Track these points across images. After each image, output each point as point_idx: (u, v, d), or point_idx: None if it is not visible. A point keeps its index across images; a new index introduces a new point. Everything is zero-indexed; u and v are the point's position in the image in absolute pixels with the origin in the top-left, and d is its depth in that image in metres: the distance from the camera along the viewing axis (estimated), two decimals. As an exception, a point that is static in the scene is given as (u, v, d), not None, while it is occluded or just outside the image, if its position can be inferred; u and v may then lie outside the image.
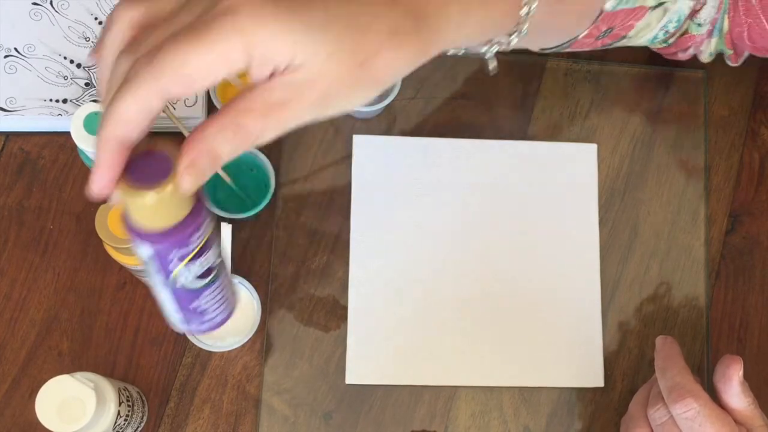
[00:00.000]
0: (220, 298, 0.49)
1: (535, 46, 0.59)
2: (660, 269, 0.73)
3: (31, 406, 0.55)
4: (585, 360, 0.71)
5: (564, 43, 0.60)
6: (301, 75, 0.40)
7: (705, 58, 0.68)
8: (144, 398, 0.66)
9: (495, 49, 0.53)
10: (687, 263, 0.74)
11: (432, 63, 0.76)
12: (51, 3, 0.72)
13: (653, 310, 0.73)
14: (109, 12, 0.72)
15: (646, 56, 0.76)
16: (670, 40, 0.65)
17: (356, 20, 0.41)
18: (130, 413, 0.61)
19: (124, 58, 0.39)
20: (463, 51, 0.54)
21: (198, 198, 0.42)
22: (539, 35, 0.55)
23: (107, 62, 0.41)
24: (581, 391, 0.70)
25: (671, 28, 0.63)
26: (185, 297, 0.46)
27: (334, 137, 0.73)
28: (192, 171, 0.39)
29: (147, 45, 0.38)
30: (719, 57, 0.71)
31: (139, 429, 0.66)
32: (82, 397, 0.55)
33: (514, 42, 0.52)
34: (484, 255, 0.72)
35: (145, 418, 0.66)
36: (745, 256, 0.74)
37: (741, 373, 0.58)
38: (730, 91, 0.78)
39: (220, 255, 0.46)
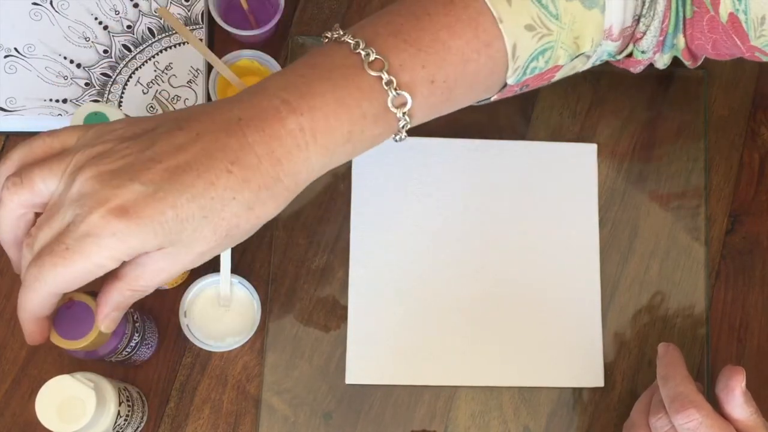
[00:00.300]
0: (147, 347, 0.65)
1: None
2: (660, 269, 0.73)
3: (31, 406, 0.55)
4: (585, 360, 0.71)
5: (480, 102, 0.58)
6: (173, 249, 0.47)
7: (660, 66, 0.66)
8: (144, 398, 0.66)
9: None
10: (687, 263, 0.74)
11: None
12: (51, 3, 0.72)
13: (653, 310, 0.72)
14: (108, 12, 0.72)
15: (646, 56, 0.77)
16: (618, 57, 0.62)
17: (209, 211, 0.46)
18: (130, 413, 0.61)
19: (26, 250, 0.47)
20: None
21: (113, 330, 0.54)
22: (441, 113, 0.55)
23: (11, 248, 0.50)
24: (581, 391, 0.70)
25: (606, 57, 0.61)
26: (121, 361, 0.62)
27: (334, 137, 0.73)
28: (107, 320, 0.50)
29: (38, 241, 0.46)
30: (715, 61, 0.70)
31: (139, 429, 0.66)
32: (82, 397, 0.55)
33: (399, 139, 0.53)
34: (484, 255, 0.72)
35: (145, 418, 0.66)
36: (745, 256, 0.74)
37: (743, 384, 0.58)
38: (730, 91, 0.78)
39: (139, 327, 0.62)
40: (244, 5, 0.72)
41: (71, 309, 0.53)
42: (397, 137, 0.52)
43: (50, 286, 0.46)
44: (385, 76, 0.49)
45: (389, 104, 0.50)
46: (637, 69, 0.64)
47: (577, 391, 0.70)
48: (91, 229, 0.44)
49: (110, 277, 0.48)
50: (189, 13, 0.73)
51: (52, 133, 0.49)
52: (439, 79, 0.51)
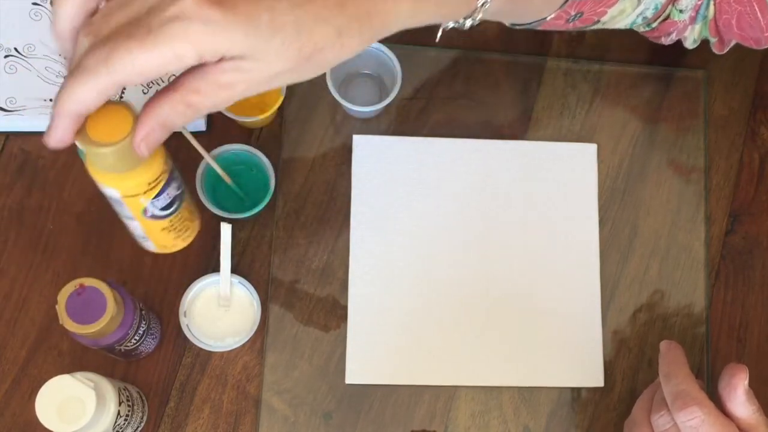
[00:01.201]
0: (152, 338, 0.65)
1: (502, 20, 0.58)
2: (660, 269, 0.73)
3: (31, 405, 0.55)
4: (585, 360, 0.71)
5: (532, 23, 0.59)
6: (249, 63, 0.42)
7: (689, 44, 0.67)
8: (144, 398, 0.66)
9: (450, 26, 0.53)
10: (687, 263, 0.74)
11: (432, 62, 0.76)
12: (51, 3, 0.72)
13: (653, 310, 0.72)
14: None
15: (646, 56, 0.76)
16: (653, 24, 0.65)
17: (303, 25, 0.43)
18: (130, 413, 0.61)
19: (86, 39, 0.42)
20: None
21: (123, 315, 0.57)
22: (501, 16, 0.56)
23: (67, 41, 0.44)
24: (581, 391, 0.70)
25: (649, 14, 0.63)
26: (128, 352, 0.62)
27: (334, 137, 0.73)
28: (147, 141, 0.44)
29: (106, 27, 0.41)
30: (723, 48, 0.71)
31: (139, 429, 0.66)
32: (82, 397, 0.55)
33: (469, 24, 0.53)
34: (484, 255, 0.72)
35: (145, 418, 0.66)
36: (745, 256, 0.74)
37: (746, 382, 0.58)
38: (730, 91, 0.78)
39: (145, 315, 0.62)
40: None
41: (82, 295, 0.54)
42: (469, 21, 0.52)
43: (119, 72, 0.40)
44: None
45: None
46: (669, 38, 0.65)
47: (577, 391, 0.70)
48: (181, 12, 0.40)
49: (163, 89, 0.44)
50: (189, 13, 0.73)
51: None
52: None
